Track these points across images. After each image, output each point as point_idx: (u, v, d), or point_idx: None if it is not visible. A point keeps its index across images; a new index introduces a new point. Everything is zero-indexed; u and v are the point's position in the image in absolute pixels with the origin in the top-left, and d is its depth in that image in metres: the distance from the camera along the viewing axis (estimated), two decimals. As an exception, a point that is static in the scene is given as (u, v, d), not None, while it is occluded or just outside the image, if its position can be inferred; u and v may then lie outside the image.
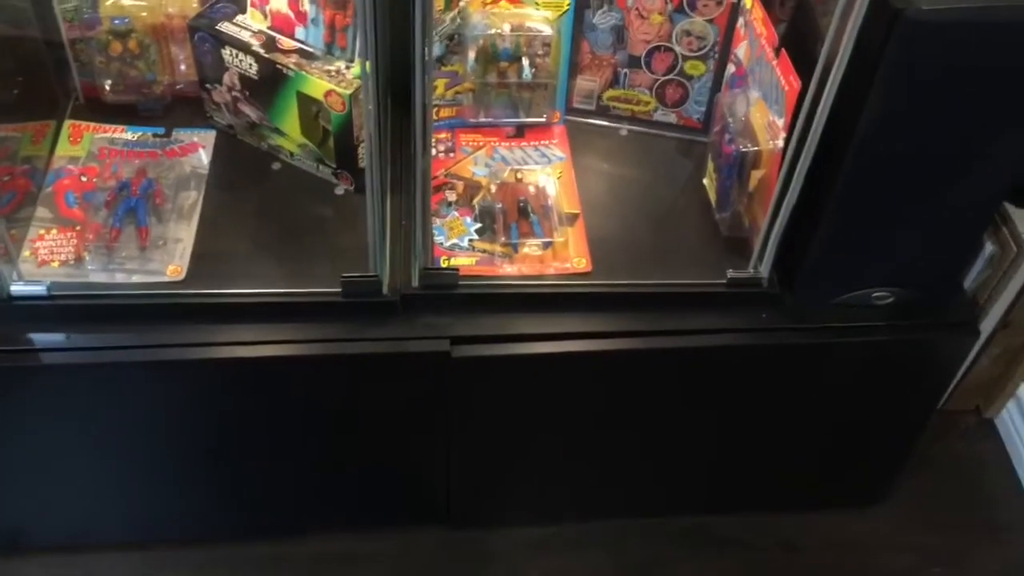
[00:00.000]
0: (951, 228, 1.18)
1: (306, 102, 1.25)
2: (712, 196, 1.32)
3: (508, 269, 1.25)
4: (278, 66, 1.23)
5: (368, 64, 1.00)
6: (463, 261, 1.25)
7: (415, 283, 1.22)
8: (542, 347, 1.22)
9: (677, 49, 1.35)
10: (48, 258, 1.21)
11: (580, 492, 1.49)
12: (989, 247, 1.31)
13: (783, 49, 1.12)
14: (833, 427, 1.41)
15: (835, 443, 1.44)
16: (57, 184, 1.29)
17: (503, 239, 1.27)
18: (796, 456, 1.46)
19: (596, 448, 1.40)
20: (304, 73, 1.22)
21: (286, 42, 1.25)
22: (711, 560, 1.53)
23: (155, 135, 1.36)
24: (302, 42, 1.24)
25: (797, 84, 1.08)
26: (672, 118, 1.43)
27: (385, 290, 1.21)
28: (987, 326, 1.51)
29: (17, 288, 1.16)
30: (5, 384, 1.19)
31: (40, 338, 1.17)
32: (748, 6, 1.23)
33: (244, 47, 1.24)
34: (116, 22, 1.29)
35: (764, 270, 1.24)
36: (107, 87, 1.36)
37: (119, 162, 1.31)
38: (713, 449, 1.43)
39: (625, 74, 1.40)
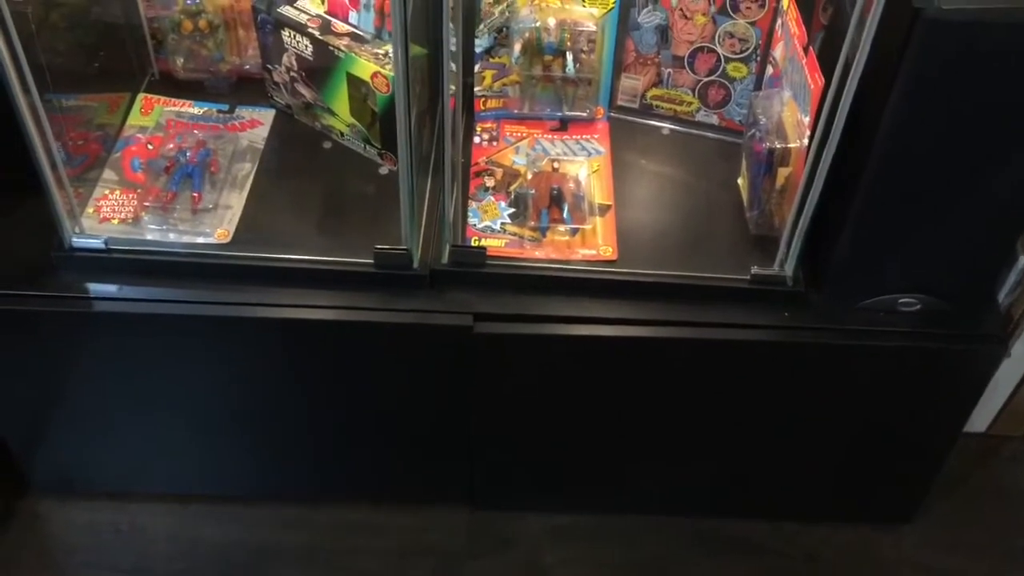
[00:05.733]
0: (979, 235, 1.17)
1: (355, 83, 1.32)
2: (744, 195, 1.34)
3: (535, 252, 1.29)
4: (330, 48, 1.30)
5: (398, 43, 1.05)
6: (493, 243, 1.29)
7: (444, 260, 1.27)
8: (562, 329, 1.26)
9: (720, 51, 1.38)
10: (109, 216, 1.30)
11: (600, 483, 1.52)
12: (1023, 260, 1.29)
13: (811, 47, 1.14)
14: (856, 436, 1.40)
15: (859, 453, 1.43)
16: (125, 150, 1.38)
17: (533, 223, 1.31)
18: (819, 464, 1.46)
19: (615, 439, 1.42)
20: (354, 55, 1.29)
21: (340, 26, 1.32)
22: (727, 563, 1.53)
23: (219, 111, 1.45)
24: (354, 26, 1.31)
25: (821, 81, 1.10)
26: (714, 119, 1.45)
27: (415, 264, 1.26)
28: (1032, 348, 1.48)
29: (77, 241, 1.25)
30: (63, 329, 1.28)
31: (95, 288, 1.26)
32: (785, 7, 1.25)
33: (301, 29, 1.32)
34: (188, 2, 1.39)
35: (788, 268, 1.25)
36: (179, 64, 1.46)
37: (183, 133, 1.40)
38: (734, 448, 1.43)
39: (669, 74, 1.43)
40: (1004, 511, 1.60)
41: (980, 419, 1.62)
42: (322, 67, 1.34)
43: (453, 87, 1.12)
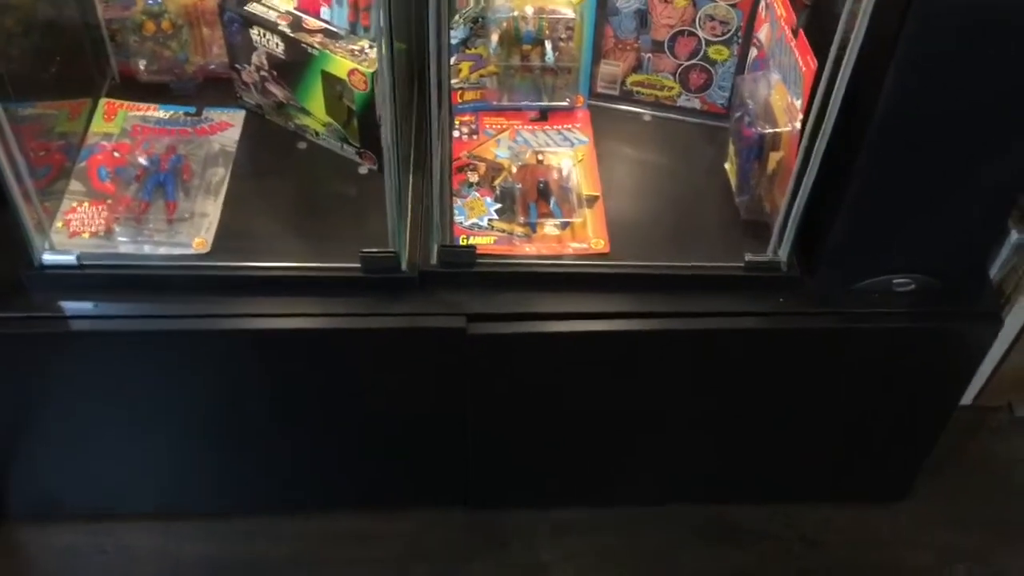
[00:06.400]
0: (973, 212, 1.17)
1: (331, 81, 1.27)
2: (732, 180, 1.32)
3: (526, 249, 1.26)
4: (303, 45, 1.26)
5: (383, 42, 1.01)
6: (482, 240, 1.26)
7: (433, 260, 1.24)
8: (558, 326, 1.23)
9: (700, 34, 1.35)
10: (79, 229, 1.25)
11: (598, 476, 1.50)
12: (1014, 235, 1.29)
13: (800, 30, 1.12)
14: (853, 417, 1.39)
15: (856, 434, 1.43)
16: (91, 159, 1.32)
17: (522, 219, 1.28)
18: (817, 447, 1.45)
19: (613, 432, 1.40)
20: (328, 52, 1.24)
21: (312, 22, 1.27)
22: (729, 550, 1.52)
23: (187, 114, 1.39)
24: (327, 22, 1.27)
25: (814, 64, 1.08)
26: (696, 103, 1.43)
27: (404, 266, 1.22)
28: (1017, 320, 1.48)
29: (48, 257, 1.20)
30: (36, 351, 1.23)
31: (70, 306, 1.20)
32: (770, -12, 1.23)
33: (271, 27, 1.27)
34: (150, 3, 1.33)
35: (783, 254, 1.24)
36: (142, 67, 1.40)
37: (151, 139, 1.35)
38: (732, 436, 1.42)
39: (648, 59, 1.40)
40: (993, 483, 1.62)
41: (966, 392, 1.63)
42: (295, 65, 1.29)
43: (441, 81, 1.08)
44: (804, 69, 1.10)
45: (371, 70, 1.22)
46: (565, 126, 1.42)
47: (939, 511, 1.56)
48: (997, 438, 1.67)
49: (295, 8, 1.29)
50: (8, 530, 1.49)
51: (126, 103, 1.40)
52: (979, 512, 1.57)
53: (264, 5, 1.29)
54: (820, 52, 1.08)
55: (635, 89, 1.44)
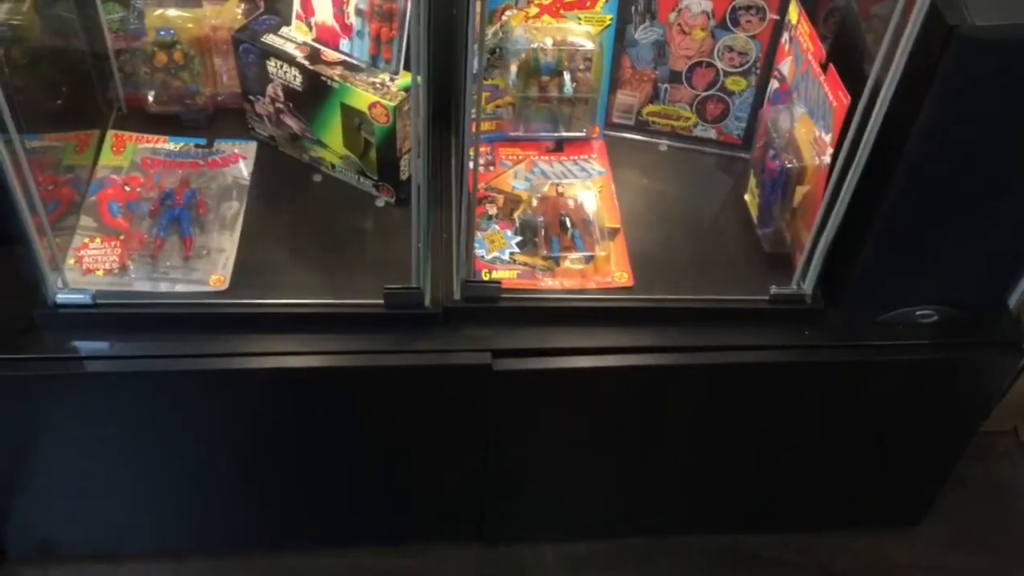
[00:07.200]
0: (998, 246, 1.17)
1: (349, 114, 1.25)
2: (754, 212, 1.32)
3: (549, 283, 1.25)
4: (323, 78, 1.23)
5: (420, 77, 1.00)
6: (504, 274, 1.25)
7: (457, 296, 1.22)
8: (583, 361, 1.22)
9: (719, 65, 1.35)
10: (93, 267, 1.21)
11: (614, 509, 1.48)
12: (1035, 266, 1.30)
13: (831, 64, 1.12)
14: (873, 446, 1.39)
15: (875, 463, 1.43)
16: (101, 193, 1.29)
17: (544, 252, 1.27)
18: (835, 476, 1.45)
19: (634, 464, 1.39)
20: (349, 85, 1.22)
21: (330, 54, 1.25)
22: (746, 579, 1.52)
23: (197, 146, 1.36)
24: (347, 54, 1.25)
25: (847, 100, 1.08)
26: (712, 134, 1.42)
27: (427, 302, 1.20)
28: (1026, 346, 1.49)
29: (63, 296, 1.16)
30: (50, 392, 1.19)
31: (84, 346, 1.17)
32: (793, 22, 1.23)
33: (289, 59, 1.25)
34: (161, 33, 1.30)
35: (808, 287, 1.23)
36: (150, 98, 1.37)
37: (162, 172, 1.32)
38: (752, 467, 1.42)
39: (665, 89, 1.40)
40: (1002, 508, 1.63)
41: (974, 417, 1.64)
42: (312, 97, 1.27)
43: (473, 112, 1.06)
44: (835, 104, 1.10)
45: (393, 103, 1.21)
46: (582, 157, 1.41)
47: (952, 535, 1.56)
48: (1004, 463, 1.68)
49: (313, 40, 1.26)
50: (9, 570, 1.44)
51: (135, 135, 1.37)
52: (990, 537, 1.58)
53: (281, 37, 1.27)
54: (847, 83, 1.08)
55: (651, 119, 1.43)
